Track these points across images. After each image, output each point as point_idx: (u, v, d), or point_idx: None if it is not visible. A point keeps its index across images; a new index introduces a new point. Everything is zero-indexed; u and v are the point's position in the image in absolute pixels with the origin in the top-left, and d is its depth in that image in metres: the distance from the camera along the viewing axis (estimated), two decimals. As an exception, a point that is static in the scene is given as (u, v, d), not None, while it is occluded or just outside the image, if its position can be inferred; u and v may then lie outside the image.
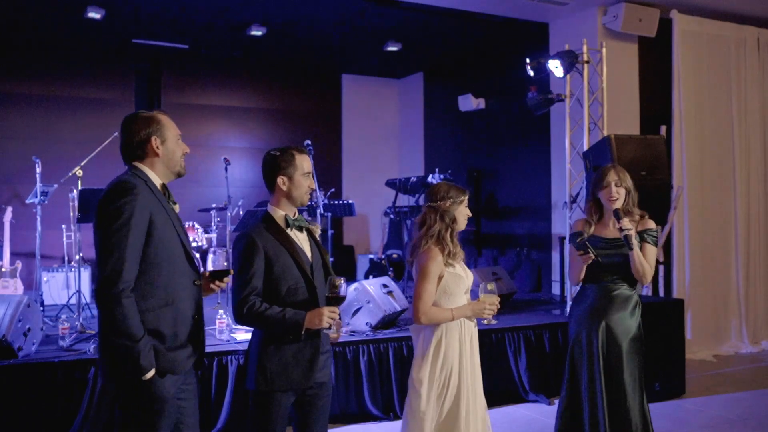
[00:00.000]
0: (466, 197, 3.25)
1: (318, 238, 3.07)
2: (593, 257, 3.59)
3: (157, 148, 2.66)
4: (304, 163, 2.91)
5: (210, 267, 2.80)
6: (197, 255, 3.10)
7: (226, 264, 2.81)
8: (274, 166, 2.91)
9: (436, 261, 3.11)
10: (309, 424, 2.94)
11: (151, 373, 2.48)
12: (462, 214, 3.23)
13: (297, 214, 2.97)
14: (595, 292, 3.73)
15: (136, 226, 2.48)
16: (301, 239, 2.94)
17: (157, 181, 2.67)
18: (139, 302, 2.49)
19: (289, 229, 2.91)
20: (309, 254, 2.93)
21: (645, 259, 3.63)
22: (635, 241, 3.60)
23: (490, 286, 3.19)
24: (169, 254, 2.59)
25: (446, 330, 3.12)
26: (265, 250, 2.80)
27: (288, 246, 2.85)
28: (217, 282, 2.81)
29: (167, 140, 2.68)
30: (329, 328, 2.80)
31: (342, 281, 2.82)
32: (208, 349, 4.73)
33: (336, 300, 2.81)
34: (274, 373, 2.79)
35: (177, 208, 2.73)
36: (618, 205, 3.68)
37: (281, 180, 2.89)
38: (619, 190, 3.68)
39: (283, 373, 2.80)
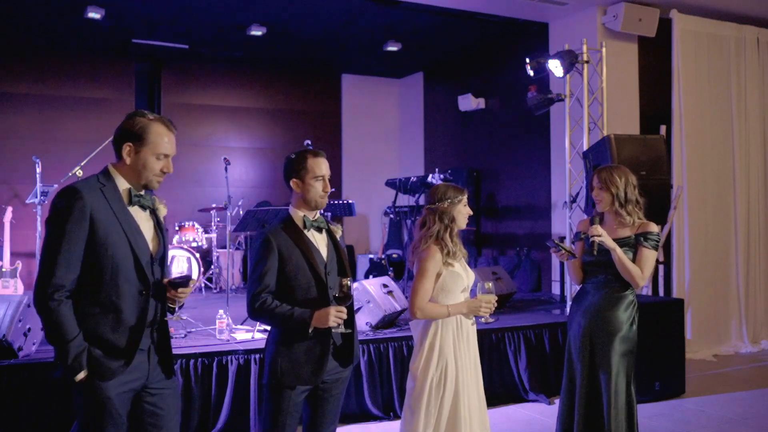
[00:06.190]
0: (465, 196, 3.33)
1: (339, 240, 3.14)
2: (567, 255, 3.66)
3: (128, 155, 2.58)
4: (317, 166, 2.97)
5: (172, 274, 2.78)
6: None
7: (188, 269, 2.80)
8: (288, 169, 3.01)
9: (435, 259, 3.20)
10: (319, 416, 3.04)
11: (82, 374, 2.46)
12: (461, 213, 3.30)
13: (317, 216, 3.04)
14: (590, 291, 3.74)
15: (71, 231, 2.45)
16: (318, 240, 3.02)
17: (123, 186, 2.60)
18: (82, 305, 2.49)
19: (306, 230, 2.98)
20: (325, 255, 3.01)
21: (641, 263, 3.59)
22: (616, 248, 3.56)
23: (488, 285, 3.25)
24: (113, 260, 2.52)
25: (442, 325, 3.21)
26: (279, 250, 2.90)
27: (302, 246, 2.94)
28: (176, 291, 2.66)
29: (142, 152, 2.57)
30: (337, 326, 2.87)
31: (349, 281, 2.91)
32: (208, 349, 4.79)
33: (342, 299, 2.89)
34: (285, 370, 2.90)
35: (163, 210, 2.70)
36: (601, 208, 3.71)
37: (294, 183, 2.99)
38: (600, 193, 3.69)
39: (292, 370, 2.90)
